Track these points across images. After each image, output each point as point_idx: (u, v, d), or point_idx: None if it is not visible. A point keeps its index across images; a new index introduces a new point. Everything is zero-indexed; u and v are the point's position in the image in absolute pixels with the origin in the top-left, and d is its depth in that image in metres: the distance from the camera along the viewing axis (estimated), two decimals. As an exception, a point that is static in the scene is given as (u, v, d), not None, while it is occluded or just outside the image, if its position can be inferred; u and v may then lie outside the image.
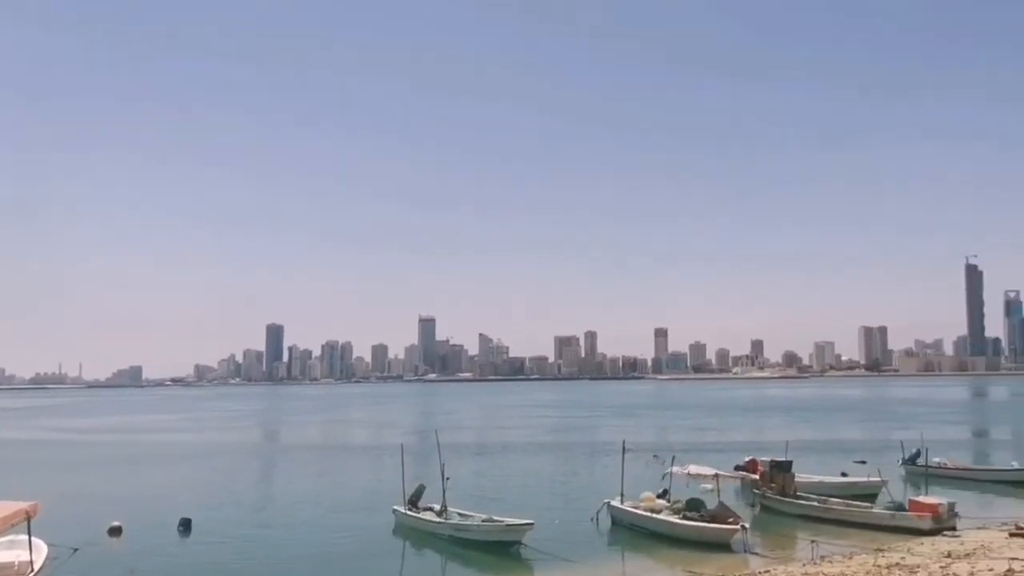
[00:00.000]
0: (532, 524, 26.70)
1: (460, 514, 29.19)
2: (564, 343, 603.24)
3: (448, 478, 30.40)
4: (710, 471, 30.71)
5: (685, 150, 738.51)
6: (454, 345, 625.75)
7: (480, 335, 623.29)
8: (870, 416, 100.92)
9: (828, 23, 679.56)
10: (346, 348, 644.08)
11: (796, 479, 33.95)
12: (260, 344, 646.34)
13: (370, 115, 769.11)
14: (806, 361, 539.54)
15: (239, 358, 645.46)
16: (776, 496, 32.29)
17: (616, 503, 30.12)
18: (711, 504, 28.08)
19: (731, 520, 26.52)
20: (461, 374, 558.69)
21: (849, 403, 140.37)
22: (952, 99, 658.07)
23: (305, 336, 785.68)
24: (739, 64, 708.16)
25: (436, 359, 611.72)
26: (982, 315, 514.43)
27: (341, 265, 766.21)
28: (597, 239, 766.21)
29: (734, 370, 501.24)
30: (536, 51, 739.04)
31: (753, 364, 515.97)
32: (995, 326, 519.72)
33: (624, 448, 32.37)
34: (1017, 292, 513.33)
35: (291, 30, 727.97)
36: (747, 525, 26.65)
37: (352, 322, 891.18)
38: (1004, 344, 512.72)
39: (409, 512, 30.14)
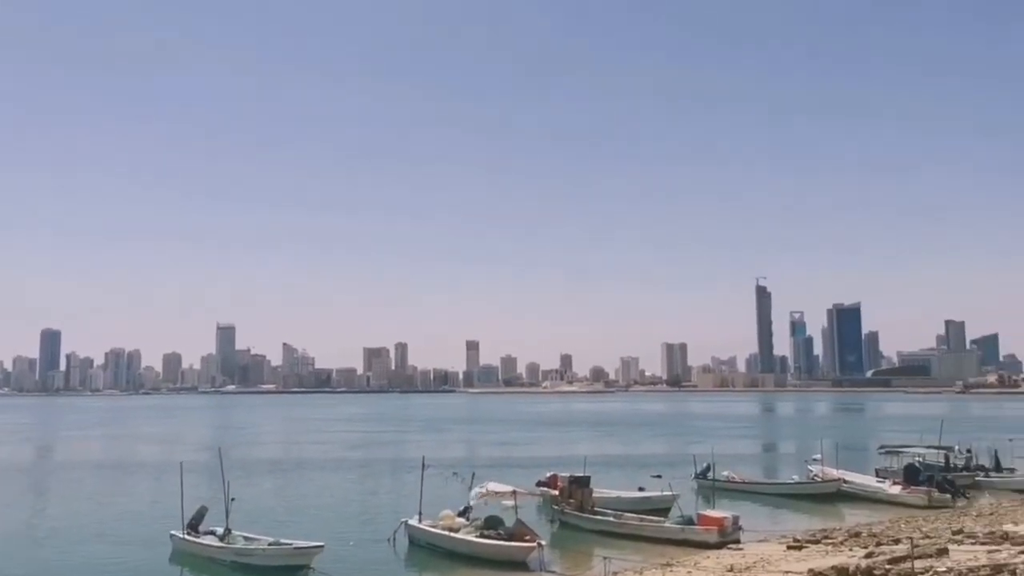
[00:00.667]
0: (322, 546, 25.36)
1: (245, 537, 27.26)
2: (373, 354, 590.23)
3: (233, 499, 28.26)
4: (508, 488, 30.23)
5: (504, 159, 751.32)
6: (255, 355, 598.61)
7: (284, 345, 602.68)
8: (669, 430, 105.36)
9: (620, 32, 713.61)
10: (133, 357, 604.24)
11: (594, 494, 34.18)
12: (33, 351, 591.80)
13: (154, 106, 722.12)
14: (612, 376, 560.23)
15: (8, 365, 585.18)
16: (574, 512, 32.33)
17: (414, 522, 29.06)
18: (510, 521, 27.62)
19: (528, 537, 26.13)
20: (263, 386, 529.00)
21: (650, 417, 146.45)
22: (745, 123, 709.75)
23: (86, 343, 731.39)
24: (568, 67, 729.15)
25: (236, 370, 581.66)
26: (771, 334, 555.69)
27: (126, 267, 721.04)
28: (410, 247, 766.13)
29: (544, 384, 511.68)
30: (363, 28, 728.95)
31: (562, 378, 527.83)
32: (782, 345, 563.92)
33: (424, 464, 31.32)
34: (801, 313, 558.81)
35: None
36: (544, 542, 26.36)
37: (141, 329, 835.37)
38: (790, 362, 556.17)
39: (188, 537, 27.71)
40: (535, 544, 25.63)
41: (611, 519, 31.30)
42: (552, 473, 39.99)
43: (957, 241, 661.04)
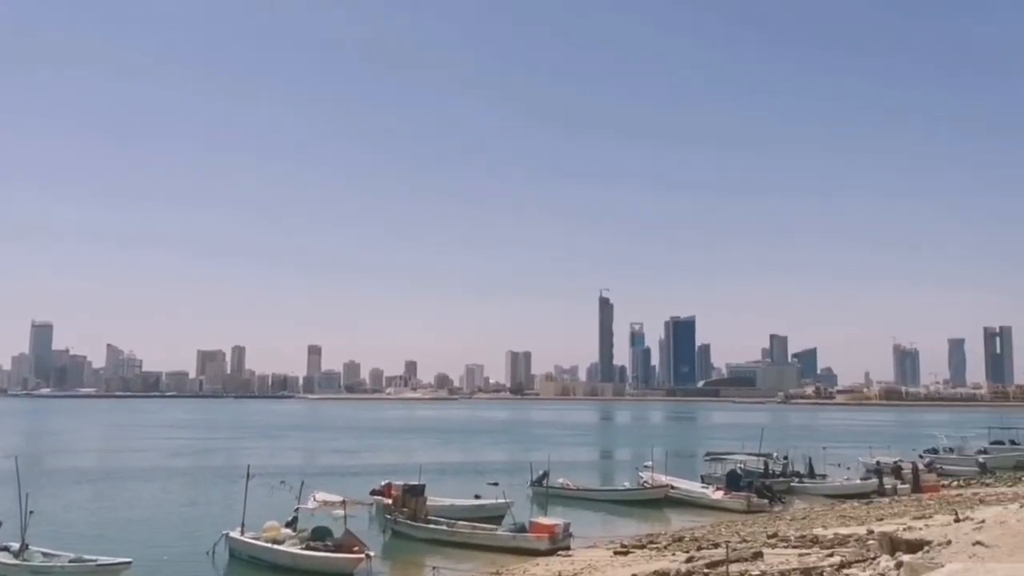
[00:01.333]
0: (129, 563, 23.66)
1: (44, 553, 24.97)
2: (208, 357, 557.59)
3: (32, 512, 25.67)
4: (338, 498, 29.19)
5: (350, 163, 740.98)
6: (75, 356, 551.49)
7: (108, 346, 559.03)
8: (508, 438, 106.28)
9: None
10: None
11: (429, 502, 33.76)
12: None
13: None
14: (457, 383, 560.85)
15: None
16: (407, 521, 31.67)
17: (236, 534, 27.50)
18: (340, 532, 26.66)
19: (356, 548, 25.30)
20: (82, 389, 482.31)
21: (492, 425, 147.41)
22: (593, 141, 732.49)
23: None
24: (411, 65, 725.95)
25: (52, 371, 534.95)
26: (612, 345, 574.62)
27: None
28: (251, 249, 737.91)
29: (387, 390, 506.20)
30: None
31: (406, 385, 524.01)
32: (623, 355, 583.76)
33: (249, 473, 29.73)
34: (641, 325, 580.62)
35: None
36: (372, 553, 25.59)
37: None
38: (629, 372, 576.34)
39: (-24, 554, 24.97)
40: (363, 555, 24.83)
41: (444, 528, 30.91)
42: (387, 481, 39.15)
43: (781, 260, 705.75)
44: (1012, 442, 73.30)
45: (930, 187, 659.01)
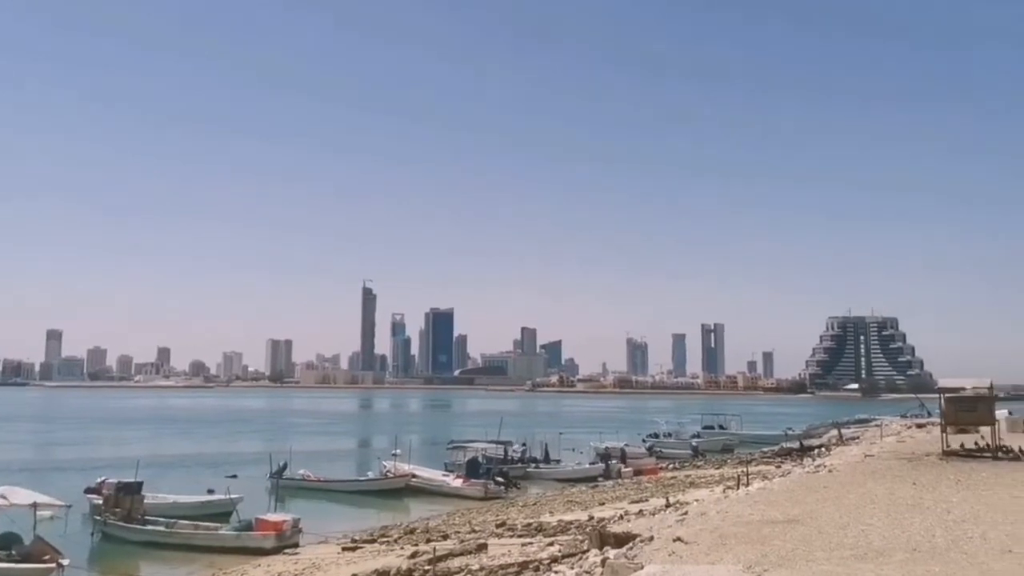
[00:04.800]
0: None
1: None
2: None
3: None
4: (27, 499, 25.79)
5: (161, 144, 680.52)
6: None
7: None
8: (258, 427, 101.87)
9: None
10: None
11: (152, 500, 31.40)
12: None
13: None
14: (214, 371, 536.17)
15: None
16: (120, 522, 28.98)
17: None
18: (30, 538, 23.69)
19: (48, 557, 22.56)
20: None
21: (245, 414, 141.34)
22: (364, 125, 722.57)
23: None
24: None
25: None
26: (373, 334, 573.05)
27: None
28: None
29: (136, 378, 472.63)
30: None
31: (158, 372, 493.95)
32: (384, 344, 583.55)
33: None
34: (402, 315, 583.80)
35: None
36: (65, 561, 22.91)
37: None
38: (389, 360, 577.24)
39: None
40: (53, 565, 22.23)
41: (161, 528, 28.57)
42: (104, 478, 35.74)
43: (536, 256, 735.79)
44: (720, 427, 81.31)
45: (656, 195, 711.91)
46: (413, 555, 21.60)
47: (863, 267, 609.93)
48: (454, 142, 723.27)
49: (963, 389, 28.43)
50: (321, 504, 38.46)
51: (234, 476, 44.43)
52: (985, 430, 27.34)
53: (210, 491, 36.01)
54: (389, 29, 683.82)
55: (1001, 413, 37.81)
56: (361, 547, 25.81)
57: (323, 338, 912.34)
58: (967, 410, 27.50)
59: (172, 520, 29.51)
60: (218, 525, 29.36)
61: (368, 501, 40.23)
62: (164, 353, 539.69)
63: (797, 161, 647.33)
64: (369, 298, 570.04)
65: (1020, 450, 25.79)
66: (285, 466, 42.78)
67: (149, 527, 28.86)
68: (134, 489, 30.42)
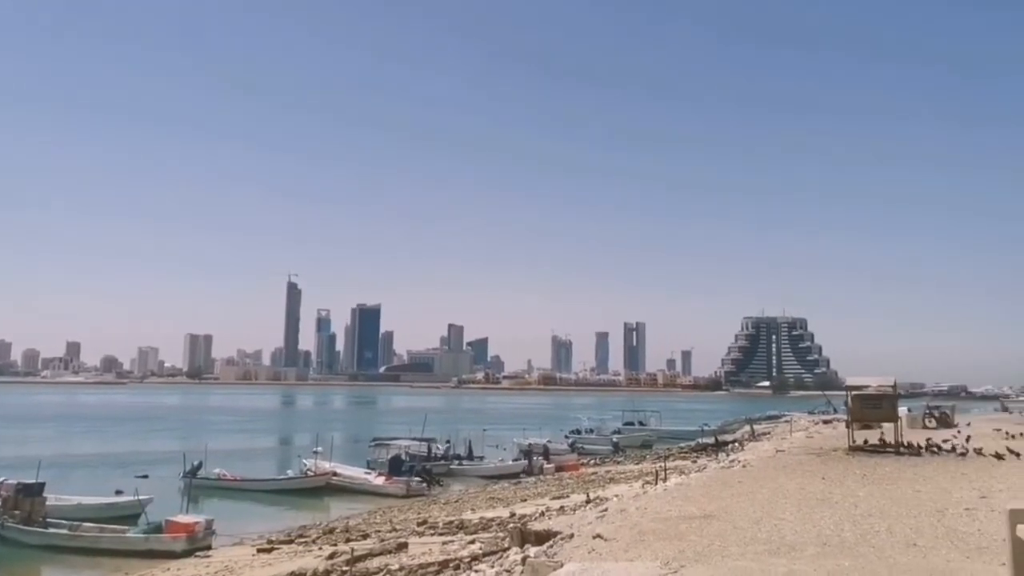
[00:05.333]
0: None
1: None
2: None
3: None
4: None
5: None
6: None
7: None
8: (173, 425, 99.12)
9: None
10: None
11: (56, 502, 30.13)
12: None
13: None
14: (128, 367, 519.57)
15: None
16: (19, 525, 27.70)
17: None
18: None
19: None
20: None
21: (159, 411, 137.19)
22: (294, 120, 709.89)
23: None
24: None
25: None
26: (297, 330, 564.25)
27: None
28: None
29: (43, 373, 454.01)
30: None
31: (67, 368, 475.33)
32: (309, 340, 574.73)
33: None
34: (328, 311, 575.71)
35: None
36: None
37: None
38: (314, 357, 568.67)
39: None
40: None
41: (65, 532, 27.39)
42: (2, 479, 34.03)
43: (457, 248, 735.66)
44: (640, 423, 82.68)
45: (580, 198, 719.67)
46: (331, 556, 21.21)
47: (776, 269, 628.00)
48: (383, 140, 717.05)
49: (868, 387, 29.49)
50: (237, 504, 37.54)
51: (144, 476, 43.05)
52: (888, 426, 28.34)
53: (118, 492, 34.72)
54: (322, 25, 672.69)
55: (901, 410, 39.41)
56: (277, 548, 25.24)
57: (245, 333, 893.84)
58: (872, 407, 28.49)
59: (76, 523, 28.32)
60: (126, 528, 28.27)
61: (287, 501, 39.42)
62: (74, 348, 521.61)
63: (715, 168, 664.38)
64: (294, 293, 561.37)
65: (920, 445, 26.82)
66: (199, 465, 41.65)
67: (51, 530, 27.69)
68: (35, 490, 29.12)
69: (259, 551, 24.71)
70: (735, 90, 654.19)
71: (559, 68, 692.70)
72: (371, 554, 20.47)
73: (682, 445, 61.32)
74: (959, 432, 33.80)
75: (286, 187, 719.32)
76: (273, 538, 27.21)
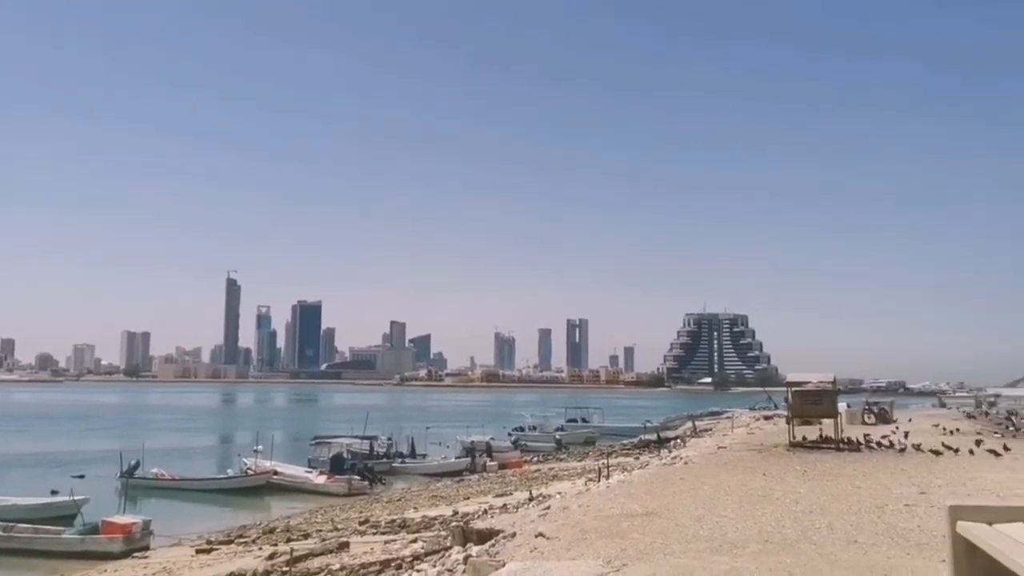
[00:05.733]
0: None
1: None
2: None
3: None
4: None
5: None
6: None
7: None
8: (110, 424, 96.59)
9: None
10: None
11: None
12: None
13: None
14: (63, 364, 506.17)
15: None
16: (-54, 529, 26.76)
17: None
18: None
19: None
20: None
21: (97, 410, 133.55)
22: (240, 117, 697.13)
23: None
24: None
25: None
26: (237, 327, 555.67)
27: None
28: None
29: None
30: None
31: (1, 365, 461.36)
32: (249, 338, 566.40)
33: None
34: (268, 308, 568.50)
35: None
36: None
37: None
38: (254, 354, 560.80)
39: None
40: None
41: (-1, 533, 26.61)
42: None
43: (399, 245, 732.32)
44: (583, 420, 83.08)
45: (524, 194, 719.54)
46: (271, 556, 20.90)
47: (718, 266, 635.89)
48: (323, 134, 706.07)
49: (808, 383, 30.10)
50: (175, 504, 36.80)
51: (81, 476, 41.88)
52: (828, 422, 28.96)
53: (54, 492, 33.77)
54: (256, 19, 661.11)
55: (840, 406, 40.33)
56: (216, 549, 24.80)
57: (184, 331, 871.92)
58: (813, 403, 29.07)
59: (10, 523, 27.49)
60: (61, 528, 27.52)
61: (226, 500, 38.80)
62: (8, 345, 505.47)
63: (656, 164, 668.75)
64: (233, 289, 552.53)
65: (859, 441, 27.48)
66: (137, 465, 40.70)
67: (-17, 531, 26.82)
68: (-37, 493, 28.16)
69: (198, 552, 24.25)
70: (681, 82, 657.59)
71: (490, 57, 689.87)
72: (312, 554, 20.21)
73: (624, 442, 61.86)
74: (898, 428, 34.69)
75: (224, 182, 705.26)
76: (212, 538, 26.72)
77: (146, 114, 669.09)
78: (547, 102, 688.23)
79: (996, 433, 36.21)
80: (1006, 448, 25.95)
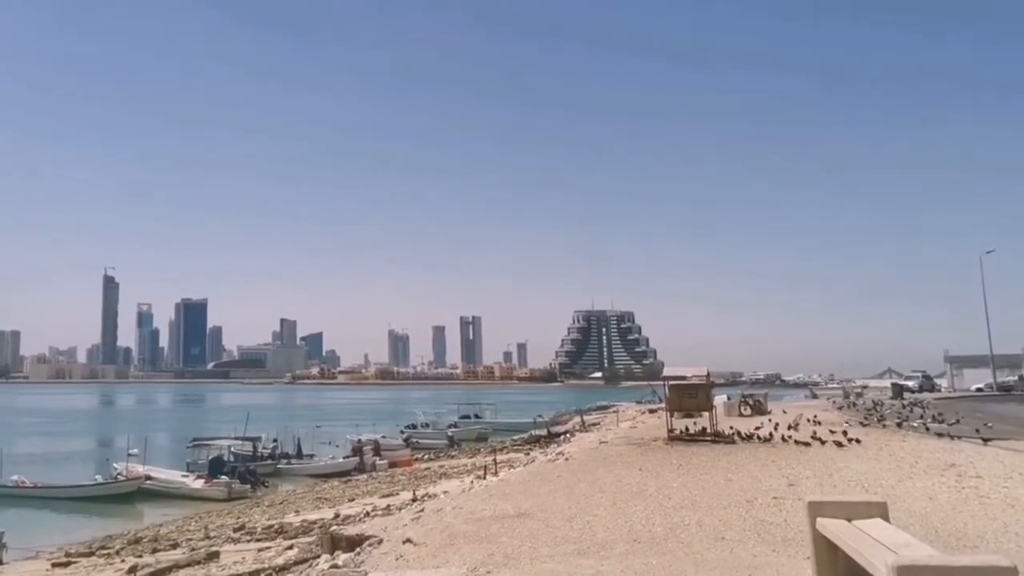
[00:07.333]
0: None
1: None
2: None
3: None
4: None
5: None
6: None
7: None
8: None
9: None
10: None
11: None
12: None
13: None
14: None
15: None
16: None
17: None
18: None
19: None
20: None
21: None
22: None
23: None
24: None
25: None
26: (116, 326, 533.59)
27: None
28: None
29: None
30: None
31: None
32: (129, 336, 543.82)
33: None
34: (149, 305, 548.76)
35: None
36: None
37: None
38: (135, 353, 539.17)
39: None
40: None
41: None
42: None
43: (289, 242, 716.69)
44: (476, 416, 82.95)
45: (416, 192, 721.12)
46: (132, 569, 19.67)
47: (606, 263, 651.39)
48: (203, 134, 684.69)
49: (685, 377, 30.74)
50: (35, 514, 34.66)
51: None
52: (705, 415, 29.58)
53: None
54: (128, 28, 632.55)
55: (720, 399, 41.41)
56: (76, 562, 23.27)
57: (57, 329, 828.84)
58: (689, 396, 29.69)
59: None
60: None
61: (93, 508, 36.69)
62: None
63: (548, 164, 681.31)
64: (111, 287, 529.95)
65: (733, 433, 28.15)
66: (-4, 473, 38.18)
67: None
68: None
69: (54, 565, 22.70)
70: (572, 90, 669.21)
71: (395, 65, 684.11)
72: (176, 566, 19.14)
73: (515, 437, 61.94)
74: (771, 419, 35.74)
75: (100, 179, 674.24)
76: (72, 550, 25.13)
77: (11, 110, 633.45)
78: (428, 101, 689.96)
79: (864, 423, 37.71)
80: (856, 441, 26.27)
